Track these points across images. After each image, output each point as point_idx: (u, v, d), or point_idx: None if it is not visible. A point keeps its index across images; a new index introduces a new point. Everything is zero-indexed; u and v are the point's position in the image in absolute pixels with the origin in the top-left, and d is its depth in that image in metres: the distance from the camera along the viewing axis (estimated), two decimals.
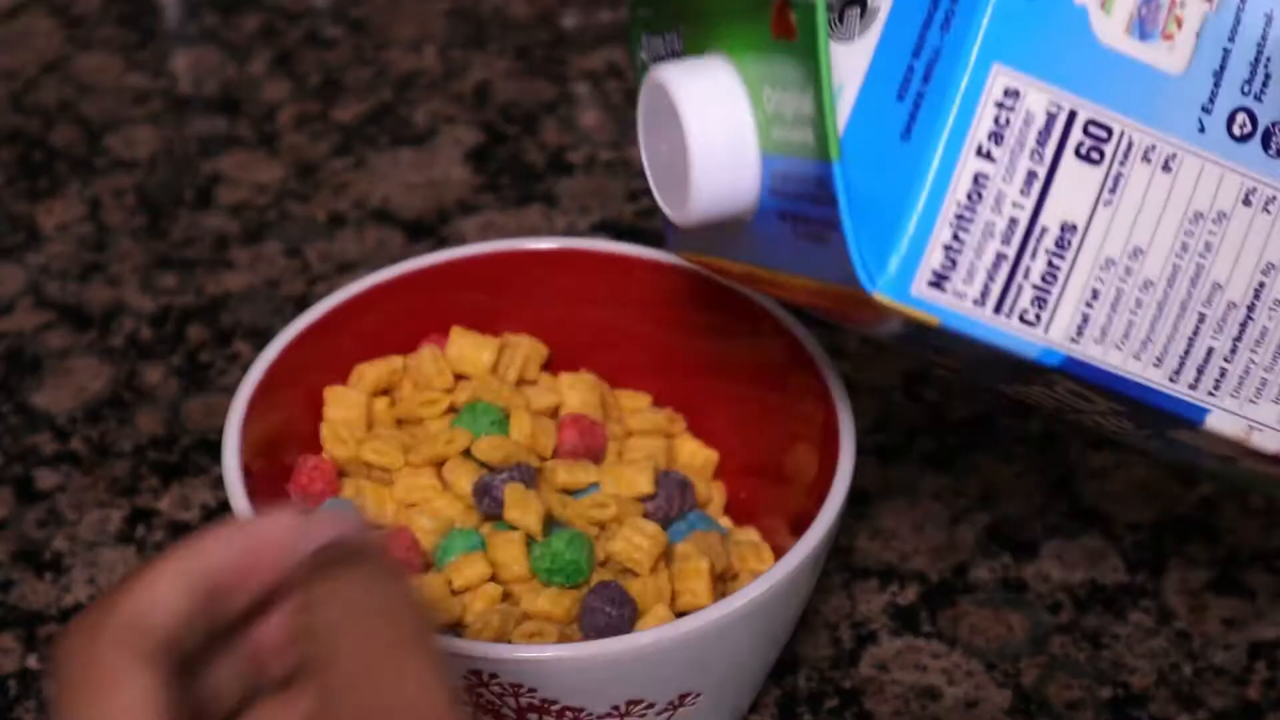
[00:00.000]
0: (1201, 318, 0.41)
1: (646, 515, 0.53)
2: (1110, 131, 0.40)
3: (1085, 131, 0.39)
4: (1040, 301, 0.40)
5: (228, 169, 0.76)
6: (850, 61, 0.40)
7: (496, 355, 0.56)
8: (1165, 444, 0.46)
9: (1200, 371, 0.42)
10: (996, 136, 0.39)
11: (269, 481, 0.53)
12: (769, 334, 0.55)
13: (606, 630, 0.49)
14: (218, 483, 0.63)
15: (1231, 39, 0.40)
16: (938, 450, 0.63)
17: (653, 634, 0.46)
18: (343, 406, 0.55)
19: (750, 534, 0.55)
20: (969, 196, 0.39)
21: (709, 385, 0.57)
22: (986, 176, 0.39)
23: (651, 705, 0.48)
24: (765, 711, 0.55)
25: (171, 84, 0.81)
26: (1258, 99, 0.41)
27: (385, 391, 0.57)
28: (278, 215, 0.73)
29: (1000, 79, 0.39)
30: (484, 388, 0.55)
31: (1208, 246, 0.41)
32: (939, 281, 0.39)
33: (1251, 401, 0.43)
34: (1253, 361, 0.42)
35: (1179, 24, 0.40)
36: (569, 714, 0.47)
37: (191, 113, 0.79)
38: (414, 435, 0.55)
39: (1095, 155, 0.40)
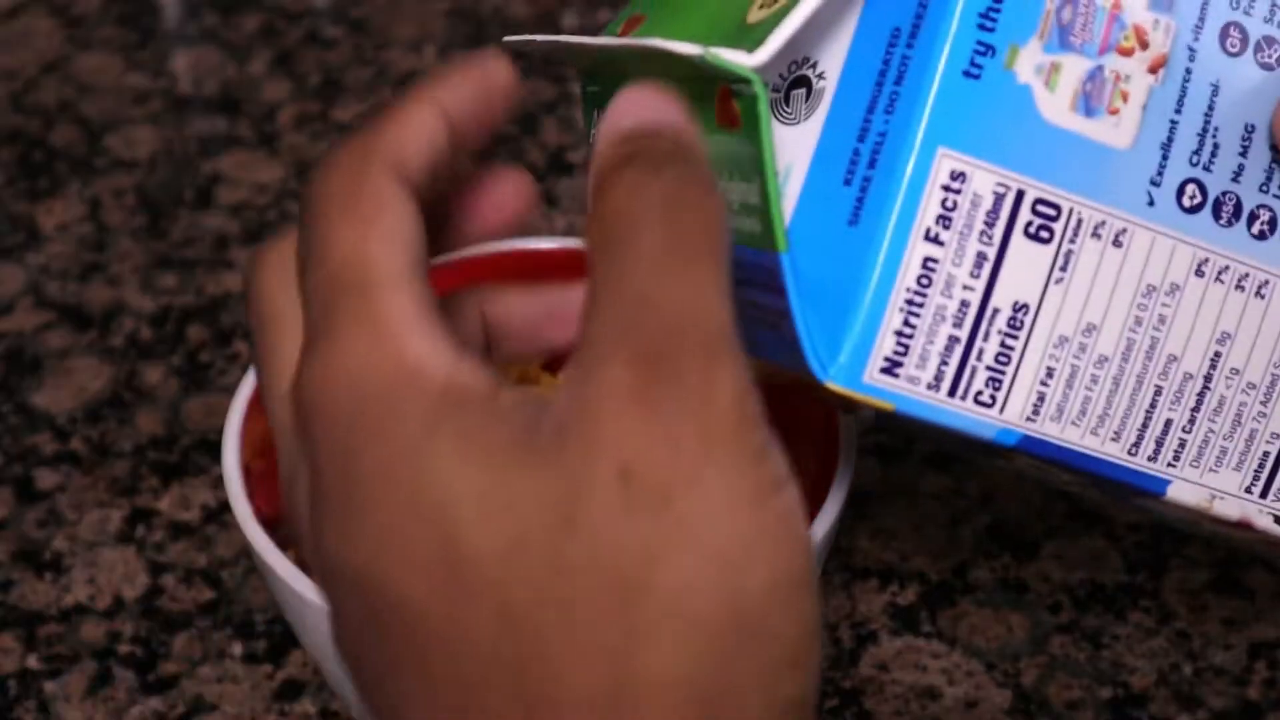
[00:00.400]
0: (1159, 390, 0.41)
1: None
2: (1059, 209, 0.39)
3: (1034, 210, 0.39)
4: (995, 383, 0.40)
5: (228, 169, 0.76)
6: (797, 144, 0.40)
7: None
8: (1133, 506, 0.46)
9: (1159, 444, 0.42)
10: (944, 220, 0.39)
11: (269, 481, 0.53)
12: None
13: None
14: (218, 482, 0.63)
15: (1178, 111, 0.40)
16: (938, 450, 0.63)
17: None
18: None
19: None
20: (919, 281, 0.39)
21: None
22: (936, 260, 0.39)
23: None
24: None
25: (172, 84, 0.81)
26: (1206, 169, 0.41)
27: None
28: (278, 215, 0.73)
29: (946, 162, 0.39)
30: None
31: (1161, 319, 0.41)
32: (892, 368, 0.39)
33: (1212, 470, 0.43)
34: (1211, 431, 0.42)
35: (1125, 98, 0.40)
36: None
37: (191, 113, 0.79)
38: None
39: (1045, 234, 0.40)
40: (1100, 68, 0.39)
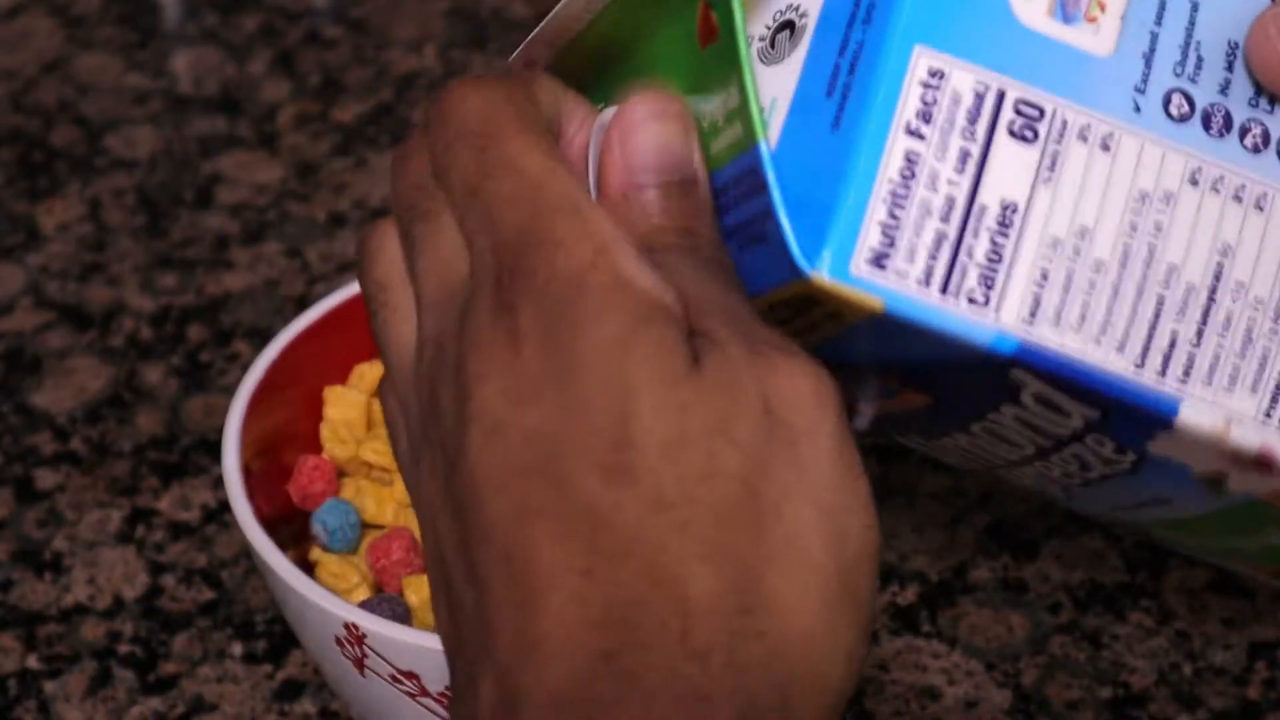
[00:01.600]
0: (1161, 300, 0.40)
1: None
2: (1042, 110, 0.39)
3: (1016, 110, 0.39)
4: (987, 281, 0.39)
5: (228, 169, 0.76)
6: (782, 78, 0.40)
7: None
8: (1147, 487, 0.44)
9: (1167, 359, 0.40)
10: (925, 115, 0.38)
11: (269, 481, 0.53)
12: None
13: None
14: (217, 483, 0.63)
15: (1158, 22, 0.40)
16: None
17: None
18: (343, 406, 0.55)
19: None
20: (901, 174, 0.38)
21: None
22: (918, 154, 0.38)
23: None
24: None
25: (171, 84, 0.81)
26: (1192, 80, 0.40)
27: None
28: (278, 215, 0.73)
29: (923, 59, 0.39)
30: None
31: (1158, 226, 0.40)
32: (879, 260, 0.38)
33: (1226, 390, 0.41)
34: (1221, 347, 0.40)
35: (1102, 8, 0.39)
36: None
37: (191, 113, 0.79)
38: None
39: (1029, 134, 0.39)
40: None
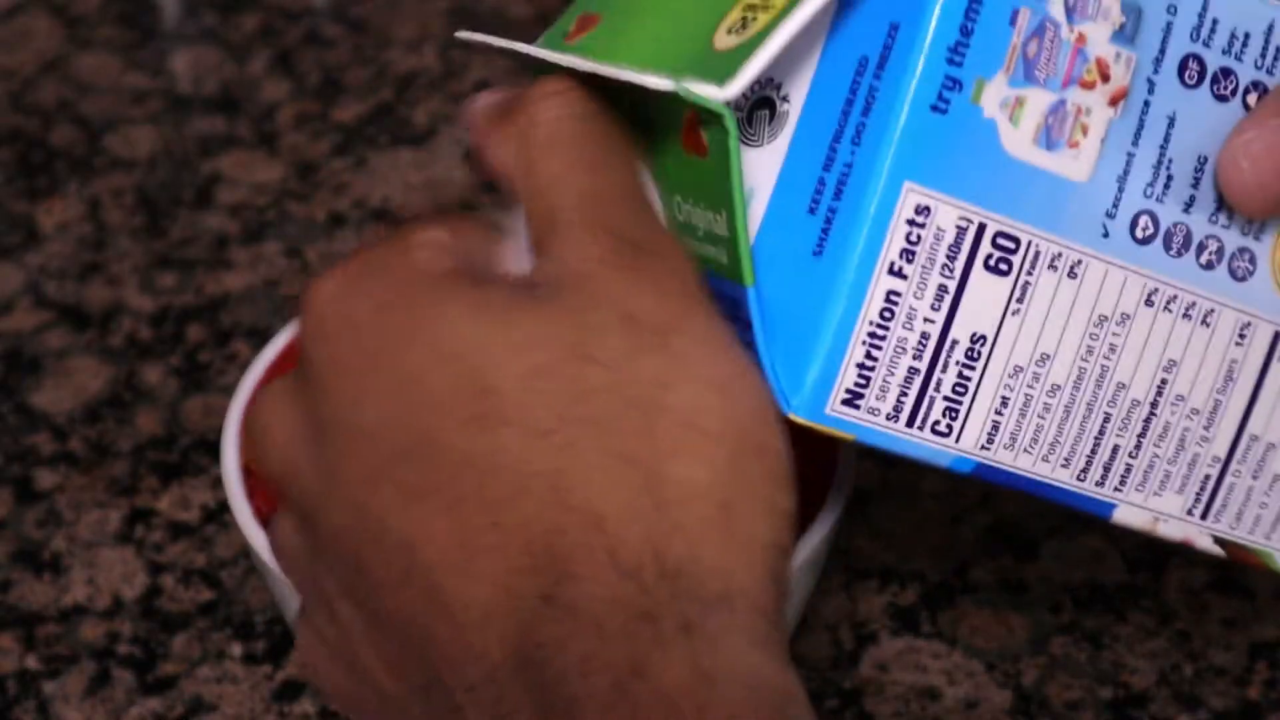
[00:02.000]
0: (1107, 417, 0.42)
1: None
2: (1018, 242, 0.40)
3: (994, 244, 0.40)
4: (952, 413, 0.41)
5: (227, 169, 0.76)
6: (760, 167, 0.40)
7: None
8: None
9: (1107, 469, 0.43)
10: (908, 254, 0.39)
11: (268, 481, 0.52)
12: None
13: None
14: (217, 483, 0.63)
15: (1135, 143, 0.41)
16: None
17: None
18: None
19: None
20: (881, 315, 0.39)
21: None
22: (899, 294, 0.39)
23: None
24: None
25: (171, 84, 0.81)
26: (1159, 200, 0.41)
27: None
28: (277, 215, 0.73)
29: (912, 196, 0.39)
30: None
31: (1112, 348, 0.42)
32: (853, 400, 0.40)
33: (1156, 494, 0.43)
34: (1156, 456, 0.43)
35: (1085, 131, 0.40)
36: None
37: (191, 112, 0.79)
38: None
39: (1004, 266, 0.40)
40: (1063, 101, 0.40)
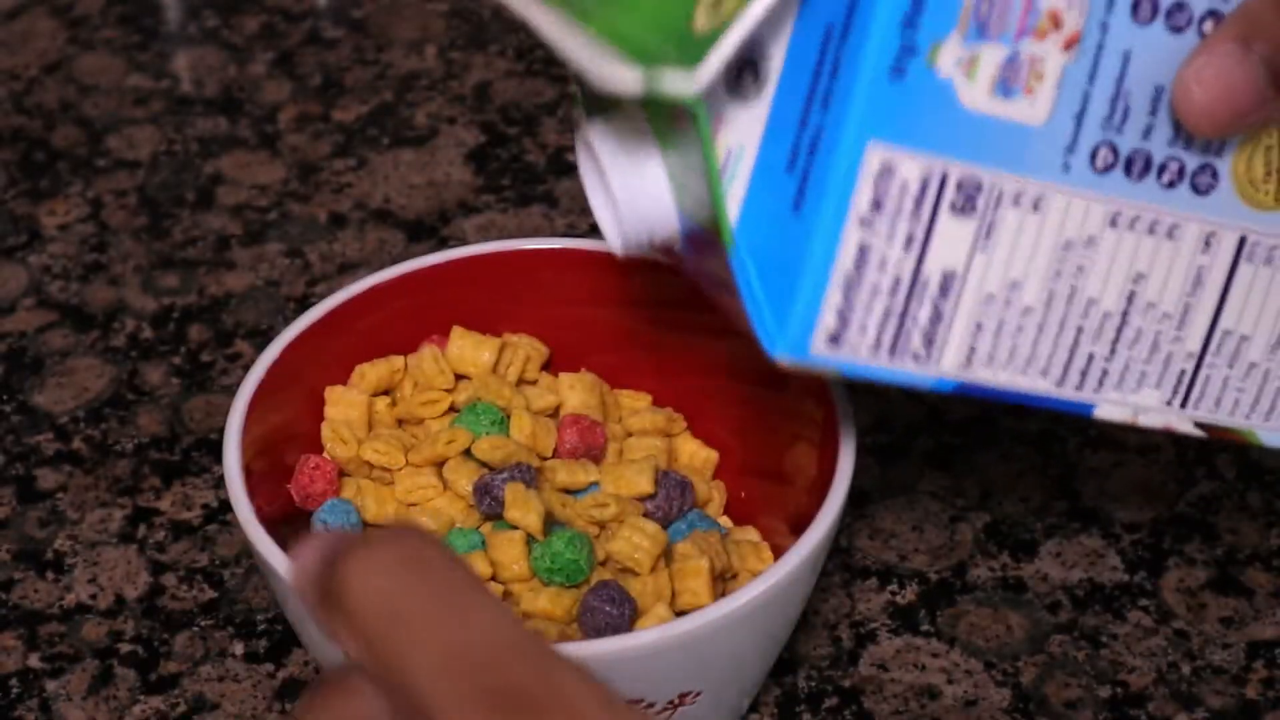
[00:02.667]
0: (1080, 330, 0.45)
1: (646, 515, 0.53)
2: (980, 185, 0.43)
3: (957, 189, 0.42)
4: (929, 341, 0.43)
5: (229, 169, 0.76)
6: (748, 125, 0.43)
7: (497, 355, 0.56)
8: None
9: (1084, 375, 0.45)
10: (877, 205, 0.42)
11: (270, 481, 0.53)
12: None
13: (606, 630, 0.49)
14: (219, 483, 0.63)
15: (1090, 82, 0.43)
16: (937, 450, 0.63)
17: (653, 633, 0.46)
18: (343, 406, 0.55)
19: (750, 534, 0.55)
20: (855, 263, 0.42)
21: (709, 385, 0.57)
22: (869, 243, 0.42)
23: (651, 705, 0.48)
24: (765, 711, 0.55)
25: (173, 84, 0.81)
26: (1118, 131, 0.43)
27: (386, 391, 0.57)
28: (279, 215, 0.74)
29: (876, 154, 0.42)
30: (484, 388, 0.55)
31: (1080, 269, 0.44)
32: (835, 339, 0.43)
33: (1134, 392, 0.46)
34: (1131, 359, 0.46)
35: (1039, 78, 0.42)
36: None
37: (192, 113, 0.79)
38: (414, 435, 0.55)
39: (968, 208, 0.43)
40: (1016, 53, 0.42)
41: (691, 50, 0.39)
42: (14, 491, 0.63)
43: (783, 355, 0.42)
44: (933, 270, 0.43)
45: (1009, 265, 0.43)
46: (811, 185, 0.42)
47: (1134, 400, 0.46)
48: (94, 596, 0.59)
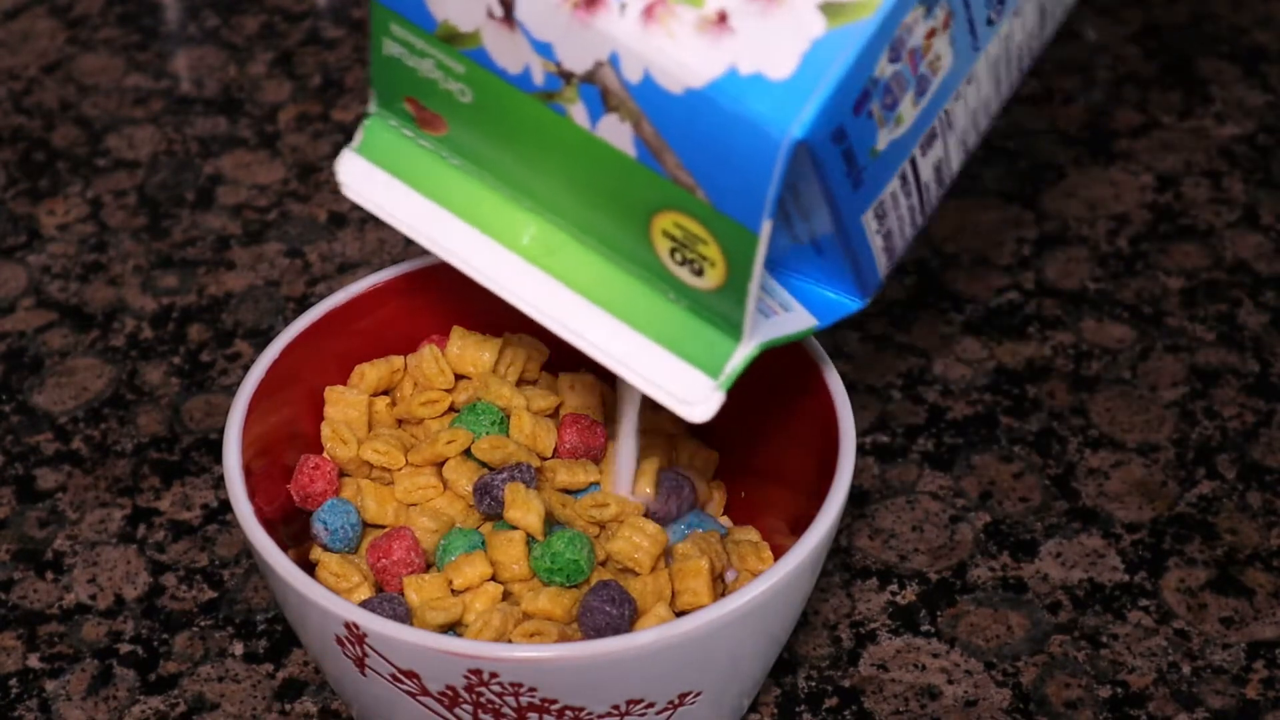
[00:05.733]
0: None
1: (646, 515, 0.53)
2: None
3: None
4: (939, 182, 0.48)
5: (228, 169, 0.76)
6: None
7: (497, 355, 0.56)
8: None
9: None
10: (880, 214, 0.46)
11: (270, 481, 0.53)
12: None
13: (606, 630, 0.49)
14: (219, 482, 0.63)
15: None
16: (937, 450, 0.63)
17: (653, 633, 0.46)
18: (343, 406, 0.55)
19: (750, 534, 0.55)
20: (884, 239, 0.47)
21: None
22: (890, 233, 0.47)
23: (651, 705, 0.48)
24: (765, 711, 0.55)
25: (172, 84, 0.81)
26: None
27: (386, 391, 0.57)
28: (278, 215, 0.74)
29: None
30: (484, 388, 0.55)
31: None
32: (889, 258, 0.48)
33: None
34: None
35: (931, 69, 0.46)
36: (569, 713, 0.47)
37: (192, 113, 0.79)
38: (414, 435, 0.55)
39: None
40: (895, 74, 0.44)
41: (717, 327, 0.45)
42: (14, 491, 0.63)
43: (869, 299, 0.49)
44: (928, 174, 0.46)
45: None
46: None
47: None
48: (93, 597, 0.59)
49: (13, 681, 0.57)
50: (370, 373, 0.56)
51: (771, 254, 0.48)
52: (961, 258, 0.71)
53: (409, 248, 0.72)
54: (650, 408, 0.53)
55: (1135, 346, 0.67)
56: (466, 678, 0.46)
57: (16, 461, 0.64)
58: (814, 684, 0.56)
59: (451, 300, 0.57)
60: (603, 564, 0.52)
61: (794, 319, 0.48)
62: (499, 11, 0.43)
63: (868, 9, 0.41)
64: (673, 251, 0.44)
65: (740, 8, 0.42)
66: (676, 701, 0.48)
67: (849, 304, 0.50)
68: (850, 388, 0.65)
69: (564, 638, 0.50)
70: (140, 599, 0.59)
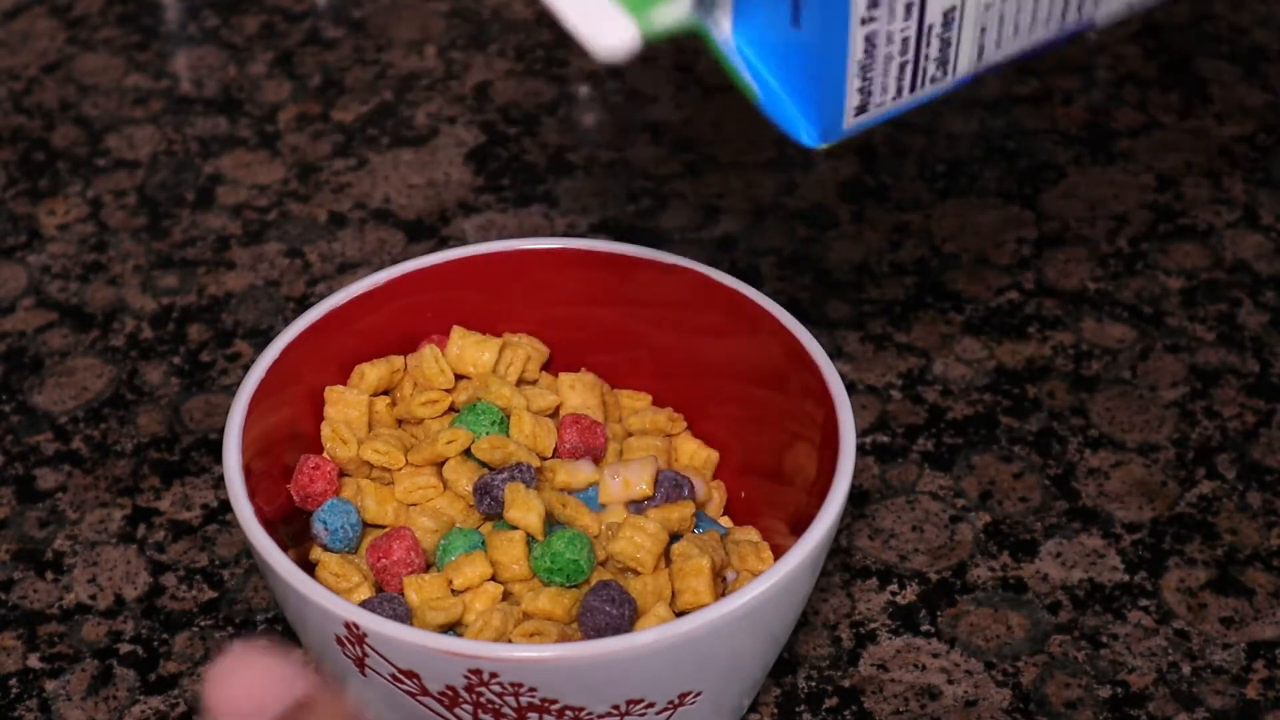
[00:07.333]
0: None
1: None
2: None
3: None
4: (943, 64, 0.47)
5: (228, 169, 0.76)
6: None
7: (497, 355, 0.56)
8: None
9: (1080, 8, 0.48)
10: (874, 3, 0.44)
11: (269, 481, 0.53)
12: (768, 334, 0.55)
13: (606, 630, 0.49)
14: (219, 482, 0.63)
15: None
16: (937, 450, 0.63)
17: (653, 633, 0.46)
18: (343, 406, 0.55)
19: (750, 534, 0.55)
20: (866, 52, 0.45)
21: (709, 385, 0.57)
22: (875, 31, 0.45)
23: (651, 705, 0.48)
24: (765, 711, 0.55)
25: (172, 84, 0.81)
26: None
27: (386, 391, 0.57)
28: (278, 215, 0.74)
29: None
30: (484, 388, 0.55)
31: None
32: (863, 108, 0.46)
33: None
34: None
35: None
36: (569, 713, 0.47)
37: (192, 113, 0.79)
38: (414, 435, 0.55)
39: None
40: None
41: None
42: (14, 491, 0.63)
43: (824, 144, 0.46)
44: (934, 16, 0.45)
45: None
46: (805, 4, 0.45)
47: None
48: (93, 596, 0.59)
49: (13, 681, 0.57)
50: (370, 373, 0.56)
51: (751, 25, 0.47)
52: (961, 258, 0.71)
53: (409, 248, 0.72)
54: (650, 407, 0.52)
55: (1135, 346, 0.67)
56: (466, 678, 0.46)
57: (16, 461, 0.64)
58: (814, 684, 0.56)
59: (451, 300, 0.57)
60: (603, 564, 0.52)
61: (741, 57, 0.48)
62: None
63: None
64: None
65: None
66: (676, 701, 0.48)
67: (802, 131, 0.48)
68: (850, 388, 0.65)
69: (564, 638, 0.50)
70: (140, 599, 0.59)
